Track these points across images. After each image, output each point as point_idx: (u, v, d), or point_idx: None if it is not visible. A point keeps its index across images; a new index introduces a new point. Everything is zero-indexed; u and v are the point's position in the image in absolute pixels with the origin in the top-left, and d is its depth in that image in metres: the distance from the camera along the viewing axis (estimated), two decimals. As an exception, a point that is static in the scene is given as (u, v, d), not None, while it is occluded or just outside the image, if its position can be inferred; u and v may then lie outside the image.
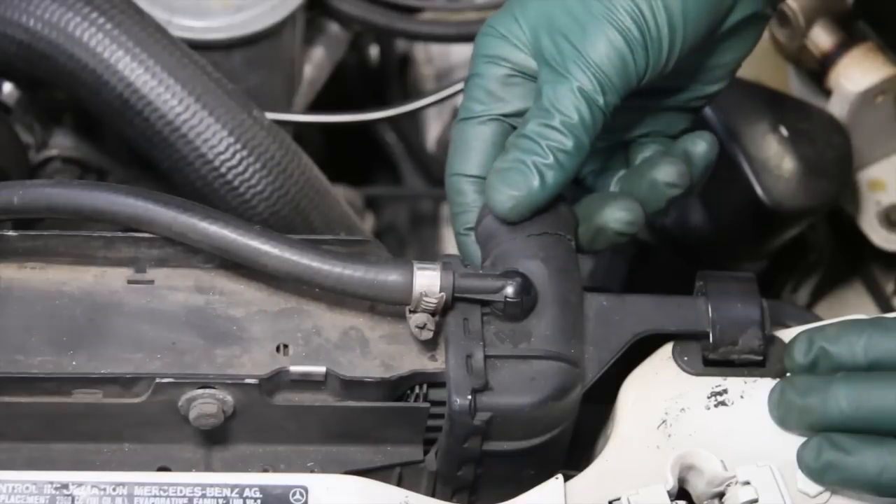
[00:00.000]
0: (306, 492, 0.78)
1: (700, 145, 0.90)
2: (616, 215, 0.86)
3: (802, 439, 0.81)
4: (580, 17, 0.84)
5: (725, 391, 0.83)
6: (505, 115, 0.87)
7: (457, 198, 0.88)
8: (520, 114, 0.87)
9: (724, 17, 0.87)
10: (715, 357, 0.84)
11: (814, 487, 0.80)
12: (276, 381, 0.81)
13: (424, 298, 0.80)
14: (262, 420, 0.82)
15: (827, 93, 1.19)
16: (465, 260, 0.87)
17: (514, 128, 0.87)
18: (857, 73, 1.17)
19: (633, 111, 0.90)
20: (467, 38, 1.28)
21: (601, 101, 0.83)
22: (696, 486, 0.81)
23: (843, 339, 0.81)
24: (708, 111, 1.11)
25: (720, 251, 1.17)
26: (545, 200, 0.84)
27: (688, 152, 0.90)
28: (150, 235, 0.83)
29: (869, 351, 0.80)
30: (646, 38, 0.84)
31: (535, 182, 0.83)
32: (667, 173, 0.87)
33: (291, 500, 0.78)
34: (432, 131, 1.43)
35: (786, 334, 0.85)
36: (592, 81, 0.83)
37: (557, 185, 0.83)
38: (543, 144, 0.83)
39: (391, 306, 0.83)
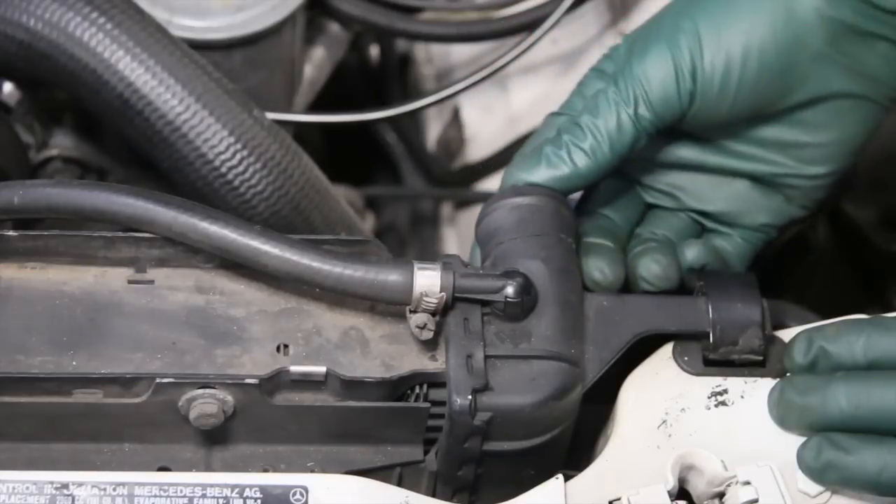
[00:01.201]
0: (306, 492, 0.78)
1: (691, 252, 0.90)
2: (648, 266, 0.88)
3: (803, 439, 0.81)
4: (651, 31, 0.87)
5: (726, 391, 0.83)
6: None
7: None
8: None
9: (795, 84, 0.86)
10: (715, 357, 0.84)
11: (814, 487, 0.80)
12: (276, 381, 0.81)
13: (425, 298, 0.80)
14: (263, 420, 0.82)
15: (827, 93, 1.19)
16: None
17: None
18: (857, 73, 1.16)
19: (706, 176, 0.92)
20: (467, 38, 1.28)
21: (631, 111, 0.85)
22: (697, 486, 0.82)
23: (843, 338, 0.81)
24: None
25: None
26: (582, 181, 0.87)
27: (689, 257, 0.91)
28: (151, 235, 0.83)
29: (868, 350, 0.80)
30: (695, 67, 0.85)
31: (566, 162, 0.86)
32: (646, 269, 0.88)
33: (292, 499, 0.78)
34: (432, 131, 1.43)
35: (786, 334, 0.85)
36: (630, 93, 0.85)
37: (591, 167, 0.86)
38: (564, 139, 0.86)
39: (391, 306, 0.83)
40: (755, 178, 0.91)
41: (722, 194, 0.92)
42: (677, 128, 0.88)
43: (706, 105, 0.86)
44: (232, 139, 1.02)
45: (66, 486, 0.77)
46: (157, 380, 0.79)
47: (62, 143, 1.18)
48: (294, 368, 0.81)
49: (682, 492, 0.82)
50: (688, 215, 0.93)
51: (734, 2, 0.86)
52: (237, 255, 0.81)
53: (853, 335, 0.81)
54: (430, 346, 0.82)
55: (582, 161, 0.86)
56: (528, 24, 1.23)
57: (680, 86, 0.85)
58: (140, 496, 0.77)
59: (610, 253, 0.88)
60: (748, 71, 0.85)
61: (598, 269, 0.86)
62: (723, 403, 0.83)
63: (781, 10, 0.85)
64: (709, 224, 0.93)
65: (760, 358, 0.84)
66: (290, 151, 1.05)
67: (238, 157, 1.02)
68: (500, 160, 1.36)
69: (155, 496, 0.78)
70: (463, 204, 1.41)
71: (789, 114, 0.88)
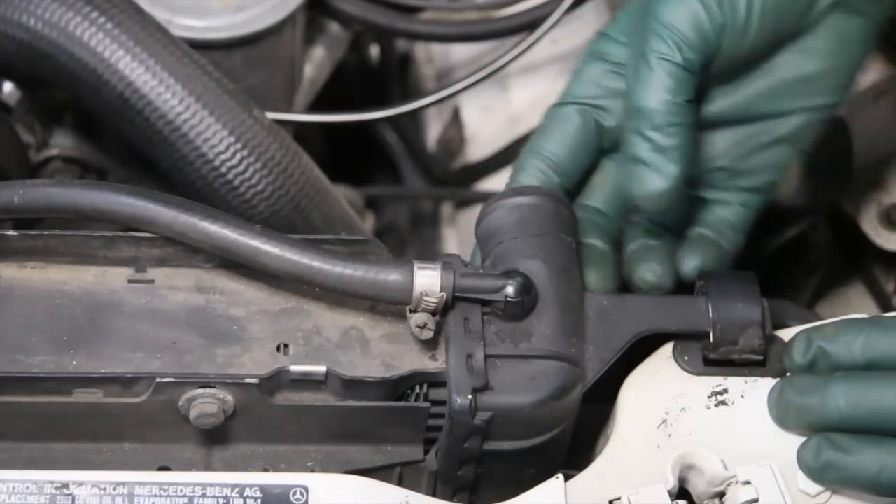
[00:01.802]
0: (307, 491, 0.78)
1: (687, 265, 0.90)
2: (643, 275, 0.88)
3: (803, 439, 0.81)
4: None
5: (726, 391, 0.83)
6: (593, 105, 0.89)
7: (514, 172, 0.89)
8: (604, 107, 0.89)
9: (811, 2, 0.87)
10: (715, 357, 0.84)
11: (814, 487, 0.80)
12: (276, 381, 0.81)
13: (425, 298, 0.80)
14: (263, 420, 0.82)
15: (827, 92, 1.19)
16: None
17: (598, 119, 0.89)
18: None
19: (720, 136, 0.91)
20: (468, 37, 1.28)
21: (679, 58, 0.84)
22: (697, 486, 0.81)
23: (841, 338, 0.81)
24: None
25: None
26: (681, 181, 0.85)
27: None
28: (151, 235, 0.83)
29: (867, 350, 0.80)
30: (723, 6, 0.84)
31: (662, 173, 0.84)
32: (641, 278, 0.88)
33: (292, 499, 0.78)
34: (433, 131, 1.43)
35: (786, 334, 0.85)
36: (668, 42, 0.84)
37: (681, 162, 0.84)
38: (649, 130, 0.84)
39: (392, 306, 0.83)
40: (761, 127, 0.91)
41: (731, 148, 0.91)
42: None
43: (734, 37, 0.85)
44: (232, 139, 1.02)
45: (66, 485, 0.77)
46: (157, 379, 0.79)
47: (62, 142, 1.18)
48: (294, 368, 0.81)
49: (682, 491, 0.82)
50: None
51: None
52: (237, 255, 0.81)
53: (852, 335, 0.81)
54: (430, 345, 0.82)
55: (676, 133, 0.84)
56: (528, 24, 1.23)
57: (712, 18, 0.84)
58: (140, 496, 0.77)
59: (602, 258, 0.88)
60: None
61: (594, 278, 0.87)
62: (723, 403, 0.83)
63: None
64: (711, 195, 0.92)
65: (761, 358, 0.84)
66: (291, 151, 1.05)
67: (238, 156, 1.02)
68: (500, 160, 1.37)
69: (155, 496, 0.78)
70: (463, 204, 1.41)
71: (800, 41, 0.88)
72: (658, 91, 0.85)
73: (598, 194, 0.91)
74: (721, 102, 0.90)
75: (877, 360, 0.80)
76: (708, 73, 0.87)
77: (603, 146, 0.91)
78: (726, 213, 0.92)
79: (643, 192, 0.85)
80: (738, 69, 0.89)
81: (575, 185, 0.91)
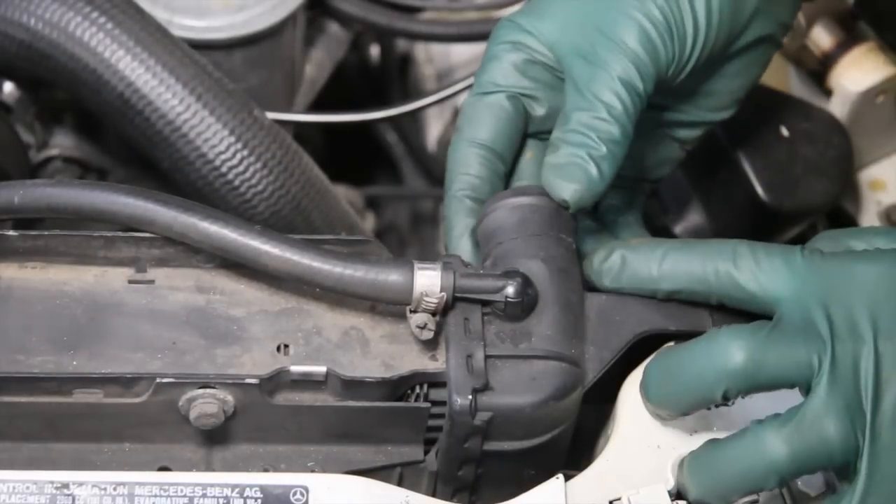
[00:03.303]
0: (307, 492, 0.78)
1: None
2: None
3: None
4: (612, 10, 0.86)
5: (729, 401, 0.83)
6: (522, 94, 0.90)
7: (458, 165, 0.89)
8: (535, 97, 0.90)
9: (740, 32, 0.89)
10: (715, 357, 0.84)
11: (814, 487, 0.80)
12: (276, 381, 0.81)
13: (425, 298, 0.80)
14: (263, 420, 0.82)
15: (827, 93, 1.19)
16: (448, 224, 0.88)
17: (527, 108, 0.90)
18: (857, 73, 1.17)
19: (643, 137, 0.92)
20: (468, 38, 1.28)
21: (640, 87, 0.85)
22: (697, 486, 0.81)
23: (643, 250, 0.83)
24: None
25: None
26: (604, 189, 0.85)
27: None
28: (151, 235, 0.83)
29: (664, 264, 0.82)
30: (672, 28, 0.86)
31: (594, 172, 0.84)
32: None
33: (292, 499, 0.78)
34: (433, 131, 1.43)
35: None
36: (630, 69, 0.85)
37: (612, 174, 0.85)
38: (594, 136, 0.84)
39: (392, 306, 0.83)
40: (666, 131, 0.94)
41: (646, 151, 0.94)
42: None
43: (680, 60, 0.87)
44: (232, 139, 1.02)
45: (66, 485, 0.77)
46: (158, 380, 0.79)
47: (62, 142, 1.18)
48: (294, 368, 0.81)
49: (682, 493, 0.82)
50: None
51: None
52: (237, 255, 0.81)
53: (653, 248, 0.83)
54: (430, 345, 0.82)
55: (620, 152, 0.85)
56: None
57: (665, 47, 0.86)
58: (140, 496, 0.77)
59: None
60: (711, 24, 0.86)
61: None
62: (723, 403, 0.83)
63: None
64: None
65: (761, 358, 0.84)
66: (291, 151, 1.05)
67: (238, 156, 1.02)
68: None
69: (155, 496, 0.78)
70: (463, 204, 1.41)
71: (722, 64, 0.90)
72: (614, 110, 0.85)
73: (528, 176, 0.92)
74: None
75: (670, 274, 0.82)
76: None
77: (527, 130, 0.92)
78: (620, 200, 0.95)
79: (572, 186, 0.85)
80: (668, 94, 0.91)
81: (510, 170, 0.92)
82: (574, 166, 0.84)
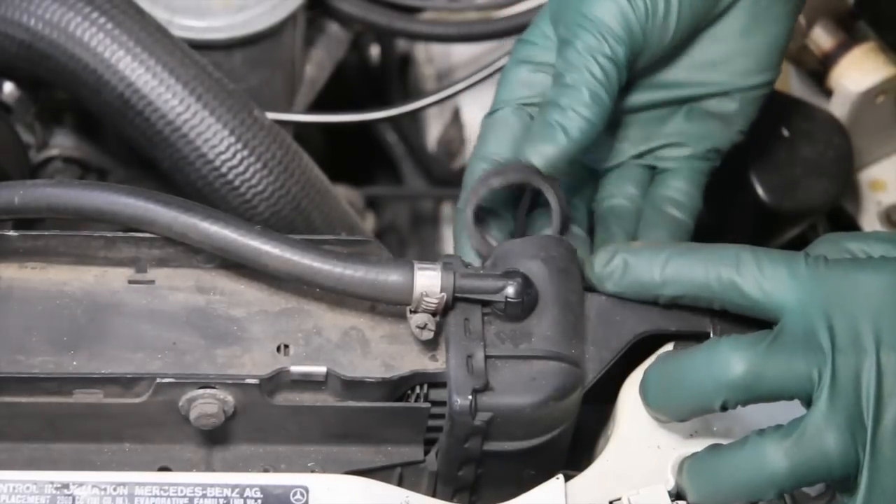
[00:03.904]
0: (307, 492, 0.78)
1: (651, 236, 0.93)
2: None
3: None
4: None
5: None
6: (527, 104, 0.91)
7: (468, 177, 0.90)
8: (535, 104, 0.90)
9: None
10: (715, 357, 0.84)
11: (815, 488, 0.80)
12: (276, 382, 0.81)
13: (425, 298, 0.80)
14: (263, 420, 0.82)
15: (828, 93, 1.19)
16: (457, 239, 0.89)
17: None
18: (857, 73, 1.16)
19: (654, 113, 0.93)
20: (468, 38, 1.28)
21: (607, 50, 0.86)
22: (697, 487, 0.82)
23: (645, 254, 0.83)
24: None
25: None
26: (576, 150, 0.86)
27: None
28: (151, 235, 0.83)
29: (667, 269, 0.82)
30: None
31: (561, 136, 0.85)
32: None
33: (292, 500, 0.78)
34: (433, 131, 1.43)
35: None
36: (596, 36, 0.86)
37: (583, 134, 0.86)
38: (561, 102, 0.86)
39: (392, 306, 0.83)
40: (694, 104, 0.93)
41: (664, 129, 0.94)
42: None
43: (657, 30, 0.88)
44: (232, 139, 1.02)
45: (66, 486, 0.77)
46: (158, 380, 0.79)
47: (62, 143, 1.18)
48: (294, 368, 0.81)
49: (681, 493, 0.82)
50: (637, 165, 0.95)
51: None
52: (238, 256, 0.81)
53: (656, 252, 0.82)
54: (430, 346, 0.82)
55: (591, 113, 0.86)
56: (528, 24, 1.23)
57: (637, 14, 0.87)
58: (140, 496, 0.78)
59: (573, 240, 0.89)
60: None
61: None
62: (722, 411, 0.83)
63: None
64: (659, 164, 0.95)
65: (761, 358, 0.84)
66: (291, 151, 1.05)
67: (238, 156, 1.02)
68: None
69: (155, 496, 0.78)
70: (463, 204, 1.41)
71: (716, 26, 0.90)
72: (583, 75, 0.86)
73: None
74: (650, 92, 0.93)
75: (673, 280, 0.82)
76: (636, 67, 0.89)
77: None
78: (678, 181, 0.94)
79: (540, 158, 0.86)
80: (663, 60, 0.91)
81: None
82: (541, 133, 0.86)
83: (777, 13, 0.92)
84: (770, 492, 0.76)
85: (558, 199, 0.88)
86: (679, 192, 0.94)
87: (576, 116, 0.86)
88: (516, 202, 0.91)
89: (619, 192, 0.94)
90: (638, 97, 0.93)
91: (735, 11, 0.91)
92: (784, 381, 0.76)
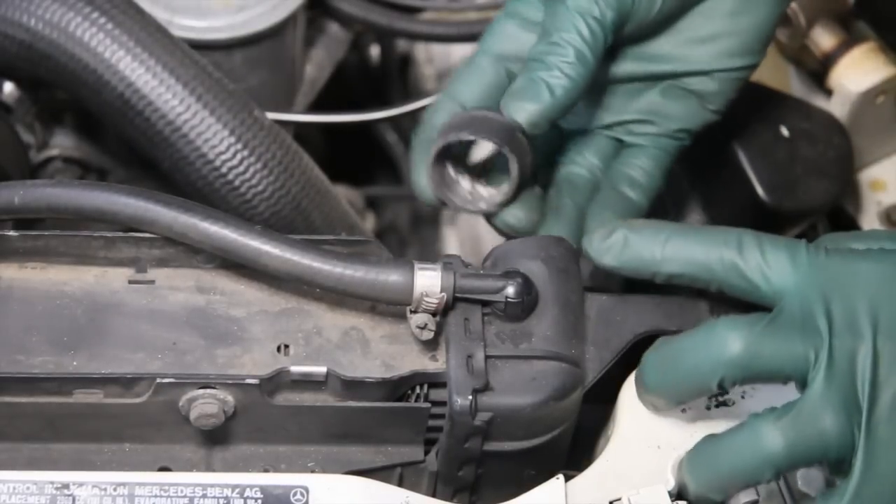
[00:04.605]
0: (307, 492, 0.78)
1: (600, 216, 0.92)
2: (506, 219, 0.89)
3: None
4: None
5: (726, 391, 0.83)
6: (505, 57, 0.90)
7: (430, 114, 0.90)
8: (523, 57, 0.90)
9: None
10: (716, 357, 0.84)
11: (815, 488, 0.80)
12: (276, 382, 0.81)
13: (425, 299, 0.80)
14: (263, 420, 0.82)
15: (828, 93, 1.19)
16: (413, 166, 0.89)
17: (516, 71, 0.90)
18: (857, 73, 1.16)
19: (632, 85, 0.93)
20: (468, 37, 1.28)
21: (596, 12, 0.86)
22: (697, 487, 0.82)
23: (646, 230, 0.82)
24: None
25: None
26: (559, 110, 0.86)
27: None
28: (151, 235, 0.83)
29: (668, 247, 0.81)
30: None
31: (546, 94, 0.85)
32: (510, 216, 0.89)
33: (292, 500, 0.78)
34: (433, 131, 1.43)
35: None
36: None
37: (567, 94, 0.86)
38: (547, 60, 0.86)
39: (392, 306, 0.83)
40: (672, 82, 0.93)
41: (637, 104, 0.94)
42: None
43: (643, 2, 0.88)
44: (232, 139, 1.02)
45: (66, 486, 0.77)
46: (158, 380, 0.79)
47: (63, 143, 1.18)
48: (294, 369, 0.81)
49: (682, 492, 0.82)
50: (604, 135, 0.95)
51: None
52: (238, 256, 0.81)
53: (657, 231, 0.82)
54: (430, 346, 0.82)
55: (575, 73, 0.86)
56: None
57: None
58: (140, 496, 0.78)
59: (527, 198, 0.89)
60: None
61: (514, 215, 0.89)
62: (723, 404, 0.83)
63: None
64: (626, 138, 0.94)
65: (761, 358, 0.84)
66: (291, 151, 1.05)
67: (239, 156, 1.02)
68: (500, 160, 1.36)
69: (155, 496, 0.78)
70: (463, 204, 1.41)
71: (704, 3, 0.90)
72: (571, 34, 0.86)
73: None
74: (631, 63, 0.92)
75: (673, 257, 0.81)
76: (621, 34, 0.89)
77: None
78: (641, 159, 0.94)
79: (525, 116, 0.86)
80: (648, 31, 0.91)
81: None
82: (526, 89, 0.86)
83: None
84: (767, 472, 0.76)
85: (519, 169, 0.87)
86: (639, 171, 0.93)
87: (561, 75, 0.86)
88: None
89: (580, 160, 0.94)
90: (619, 67, 0.93)
91: None
92: (781, 361, 0.77)
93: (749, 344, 0.77)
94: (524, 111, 0.86)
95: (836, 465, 0.77)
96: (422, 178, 0.88)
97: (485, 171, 0.90)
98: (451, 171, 0.89)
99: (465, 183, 0.89)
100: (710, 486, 0.78)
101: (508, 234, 0.89)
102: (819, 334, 0.76)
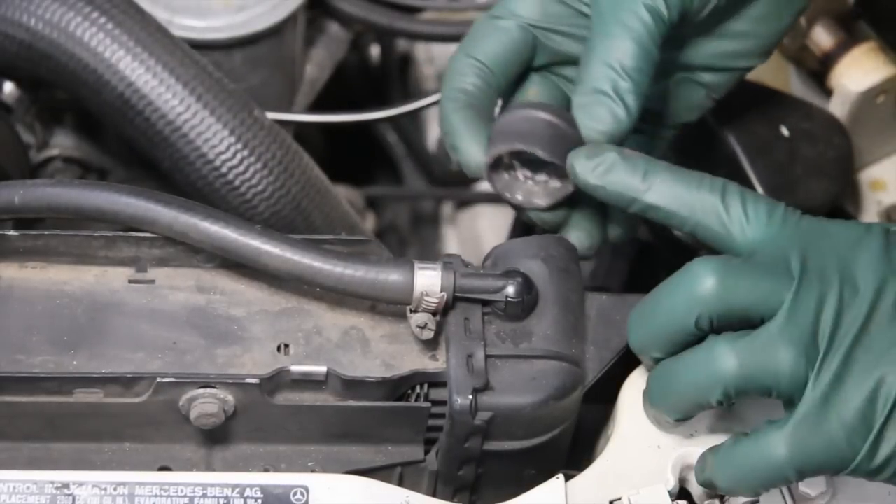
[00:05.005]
0: (307, 491, 0.78)
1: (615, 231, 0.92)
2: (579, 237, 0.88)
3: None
4: None
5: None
6: (536, 26, 0.89)
7: (453, 73, 0.88)
8: (552, 28, 0.89)
9: None
10: (716, 357, 0.84)
11: (815, 488, 0.80)
12: (276, 381, 0.81)
13: (425, 298, 0.80)
14: (263, 420, 0.82)
15: (828, 93, 1.19)
16: (449, 126, 0.87)
17: (542, 39, 0.89)
18: (858, 73, 1.16)
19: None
20: (468, 37, 1.28)
21: (665, 13, 0.84)
22: (697, 486, 0.81)
23: (634, 159, 0.81)
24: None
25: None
26: (633, 123, 0.84)
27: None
28: (152, 235, 0.83)
29: (654, 177, 0.81)
30: None
31: (621, 111, 0.83)
32: (575, 238, 0.88)
33: (292, 499, 0.78)
34: (433, 131, 1.43)
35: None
36: None
37: (639, 106, 0.84)
38: (618, 67, 0.83)
39: (392, 306, 0.83)
40: (686, 74, 0.93)
41: (661, 93, 0.93)
42: None
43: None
44: (233, 139, 1.02)
45: (66, 485, 0.77)
46: (158, 379, 0.79)
47: (63, 142, 1.18)
48: (295, 368, 0.81)
49: (682, 491, 0.82)
50: None
51: None
52: (238, 255, 0.81)
53: (646, 161, 0.81)
54: (430, 345, 0.82)
55: (643, 78, 0.84)
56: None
57: None
58: (141, 496, 0.78)
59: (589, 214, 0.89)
60: None
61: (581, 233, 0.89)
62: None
63: None
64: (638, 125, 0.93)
65: (761, 358, 0.84)
66: (291, 151, 1.05)
67: (239, 156, 1.02)
68: (500, 160, 1.36)
69: (155, 496, 0.78)
70: (463, 204, 1.41)
71: (742, 3, 0.90)
72: (637, 34, 0.84)
73: None
74: (664, 54, 0.90)
75: (656, 189, 0.80)
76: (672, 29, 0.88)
77: (533, 63, 0.91)
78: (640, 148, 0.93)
79: (599, 127, 0.84)
80: (693, 26, 0.90)
81: (503, 94, 0.91)
82: (600, 105, 0.83)
83: (793, 8, 0.92)
84: (717, 390, 0.76)
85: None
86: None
87: (634, 86, 0.83)
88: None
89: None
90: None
91: None
92: (754, 298, 0.77)
93: (723, 278, 0.77)
94: (599, 132, 0.83)
95: (787, 402, 0.77)
96: (466, 143, 0.86)
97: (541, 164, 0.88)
98: (514, 169, 0.87)
99: (522, 176, 0.87)
100: (665, 403, 0.79)
101: (546, 228, 0.88)
102: (791, 276, 0.77)
